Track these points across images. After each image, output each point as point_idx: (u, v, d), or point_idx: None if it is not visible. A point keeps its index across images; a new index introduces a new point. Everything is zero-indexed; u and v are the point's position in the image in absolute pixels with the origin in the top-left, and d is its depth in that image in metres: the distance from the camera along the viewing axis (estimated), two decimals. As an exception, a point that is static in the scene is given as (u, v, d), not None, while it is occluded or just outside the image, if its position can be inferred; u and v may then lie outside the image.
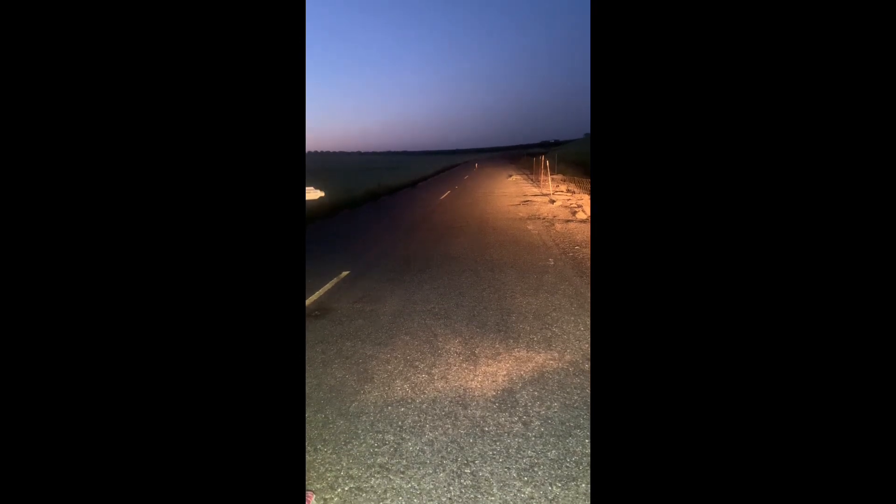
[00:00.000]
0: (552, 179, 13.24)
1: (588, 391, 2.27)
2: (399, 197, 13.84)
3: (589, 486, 1.64)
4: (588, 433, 1.94)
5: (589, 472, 1.71)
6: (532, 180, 16.58)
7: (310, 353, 2.85)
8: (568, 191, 11.81)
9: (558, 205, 9.41)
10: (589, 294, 3.74)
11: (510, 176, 20.06)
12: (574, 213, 8.17)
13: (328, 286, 4.30)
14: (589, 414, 2.08)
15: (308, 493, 1.63)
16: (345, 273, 4.74)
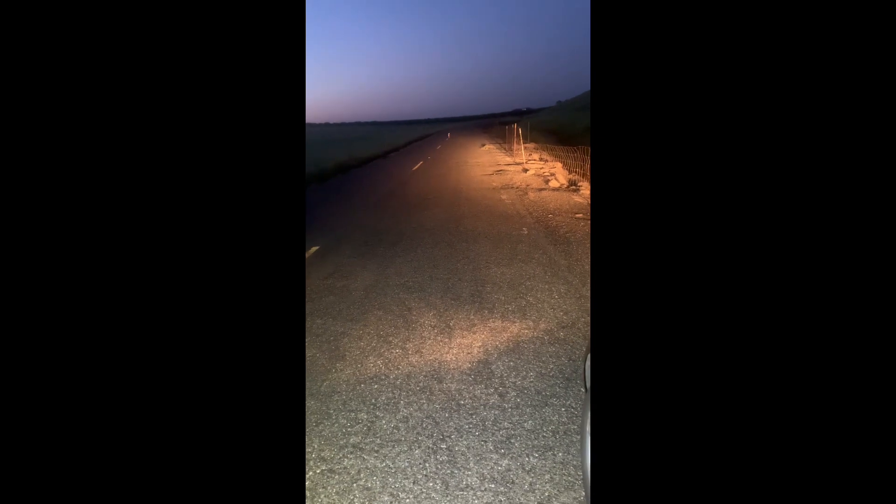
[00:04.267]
0: (525, 148, 13.12)
1: (563, 360, 2.26)
2: (370, 169, 13.47)
3: (565, 454, 1.64)
4: (564, 402, 1.93)
5: (566, 440, 1.71)
6: (505, 149, 16.42)
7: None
8: (541, 159, 11.74)
9: (531, 173, 9.35)
10: (562, 262, 3.73)
11: (483, 145, 19.82)
12: (547, 181, 8.13)
13: (297, 262, 4.14)
14: (565, 382, 2.07)
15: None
16: (314, 248, 4.58)
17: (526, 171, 9.82)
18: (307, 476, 1.61)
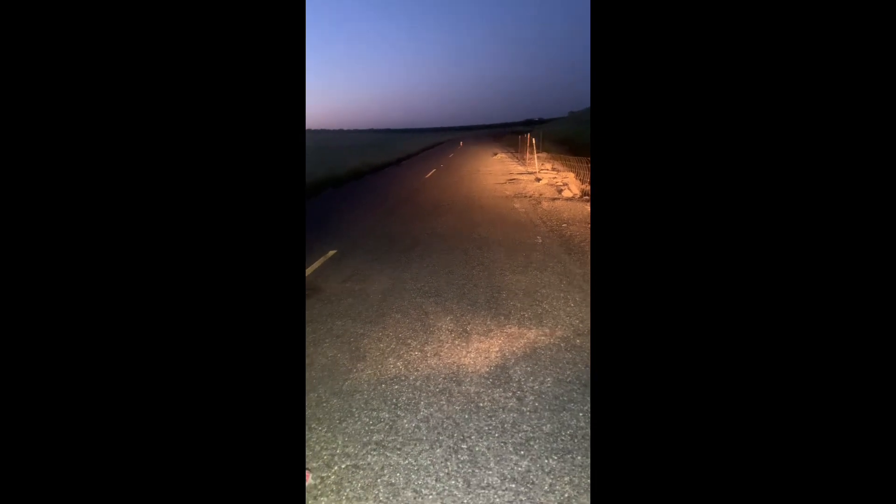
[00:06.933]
0: (537, 158, 13.18)
1: (580, 367, 2.30)
2: (384, 175, 13.62)
3: (584, 458, 1.67)
4: (582, 407, 1.97)
5: (584, 444, 1.74)
6: (517, 158, 16.49)
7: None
8: (553, 169, 11.78)
9: (544, 183, 9.40)
10: (577, 271, 3.77)
11: (495, 154, 19.92)
12: (560, 190, 8.17)
13: (315, 265, 4.23)
14: (582, 388, 2.10)
15: (305, 472, 1.62)
16: (332, 252, 4.66)
17: (539, 180, 9.87)
18: (332, 470, 1.66)
